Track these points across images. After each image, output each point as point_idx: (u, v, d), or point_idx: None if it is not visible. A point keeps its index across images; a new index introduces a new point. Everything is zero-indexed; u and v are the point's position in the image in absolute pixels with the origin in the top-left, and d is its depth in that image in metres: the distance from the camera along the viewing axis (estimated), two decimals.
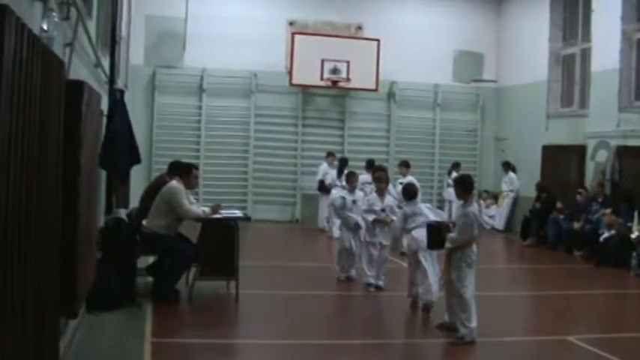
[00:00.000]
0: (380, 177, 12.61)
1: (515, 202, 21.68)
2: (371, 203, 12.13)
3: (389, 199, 12.25)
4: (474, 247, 9.02)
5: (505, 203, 21.85)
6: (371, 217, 11.97)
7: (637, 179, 16.43)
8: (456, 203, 11.74)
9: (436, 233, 9.48)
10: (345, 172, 14.65)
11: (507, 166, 21.89)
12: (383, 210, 11.98)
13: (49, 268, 5.34)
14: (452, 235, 9.08)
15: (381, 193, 12.24)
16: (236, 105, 21.92)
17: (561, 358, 8.62)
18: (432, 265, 10.52)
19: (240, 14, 21.61)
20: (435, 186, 23.05)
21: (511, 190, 21.74)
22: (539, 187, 19.52)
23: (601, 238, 15.82)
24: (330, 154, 20.56)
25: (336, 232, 17.96)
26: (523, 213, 20.04)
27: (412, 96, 23.04)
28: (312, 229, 20.17)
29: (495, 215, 22.16)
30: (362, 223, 12.45)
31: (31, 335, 4.69)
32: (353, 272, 12.67)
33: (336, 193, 14.19)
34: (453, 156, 22.50)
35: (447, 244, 9.11)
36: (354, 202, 12.77)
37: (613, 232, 15.61)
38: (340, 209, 12.94)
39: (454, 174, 20.03)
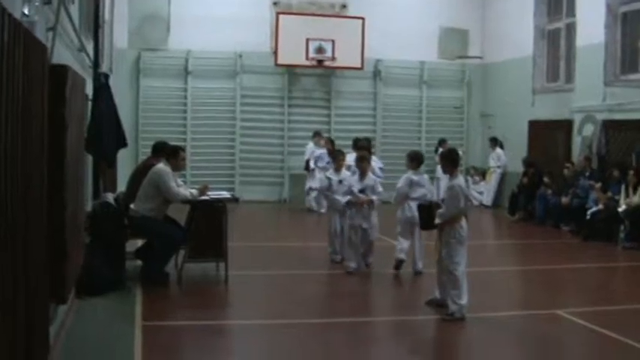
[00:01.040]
0: (362, 156, 12.23)
1: (503, 177, 21.79)
2: (349, 184, 11.92)
3: (370, 179, 11.94)
4: (463, 223, 9.00)
5: (493, 179, 21.96)
6: (345, 199, 11.88)
7: (623, 153, 16.49)
8: (444, 180, 11.79)
9: (428, 213, 9.48)
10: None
11: (494, 142, 21.96)
12: (362, 191, 11.70)
13: (37, 254, 5.32)
14: (440, 210, 9.10)
15: (363, 172, 11.93)
16: (221, 86, 21.88)
17: (551, 332, 8.66)
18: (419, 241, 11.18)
19: None
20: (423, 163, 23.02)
21: (498, 166, 21.83)
22: (527, 163, 19.59)
23: (588, 213, 15.86)
24: (316, 134, 20.59)
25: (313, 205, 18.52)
26: (511, 188, 20.10)
27: (398, 74, 23.01)
28: (300, 209, 20.19)
29: (483, 191, 22.23)
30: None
31: (21, 322, 4.68)
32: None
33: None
34: (439, 133, 22.54)
35: (437, 220, 9.12)
36: (340, 182, 12.37)
37: (600, 206, 15.66)
38: (326, 190, 12.76)
39: (440, 150, 20.13)
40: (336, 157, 13.09)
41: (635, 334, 8.13)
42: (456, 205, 8.95)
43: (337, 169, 12.68)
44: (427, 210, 9.57)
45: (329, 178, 12.65)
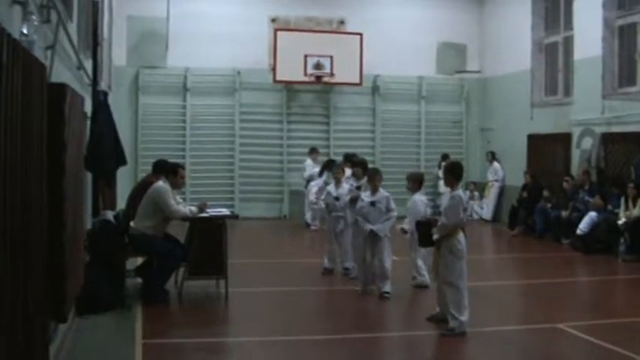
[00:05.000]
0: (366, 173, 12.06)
1: (502, 191, 21.81)
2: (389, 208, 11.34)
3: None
4: (460, 237, 8.95)
5: (491, 193, 21.98)
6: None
7: (622, 166, 16.50)
8: (445, 196, 11.67)
9: (426, 230, 9.42)
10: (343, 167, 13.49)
11: (492, 156, 22.01)
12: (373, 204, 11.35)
13: (36, 272, 5.31)
14: (439, 223, 9.01)
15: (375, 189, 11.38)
16: (220, 103, 21.91)
17: (552, 345, 8.65)
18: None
19: (222, 12, 21.60)
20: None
21: (496, 180, 21.87)
22: (526, 176, 19.58)
23: (579, 228, 15.89)
24: (313, 150, 20.64)
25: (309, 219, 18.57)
26: (510, 202, 20.10)
27: (396, 89, 23.06)
28: (300, 225, 20.18)
29: (483, 206, 22.25)
30: (383, 232, 11.12)
31: (21, 341, 4.67)
32: (388, 287, 11.01)
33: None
34: (438, 148, 22.57)
35: (435, 235, 9.05)
36: (372, 204, 11.19)
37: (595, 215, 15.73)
38: (358, 214, 11.45)
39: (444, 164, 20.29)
40: (372, 177, 11.53)
41: (636, 347, 8.11)
42: (457, 215, 8.88)
43: (374, 191, 11.34)
44: (425, 227, 9.52)
45: (361, 200, 11.45)
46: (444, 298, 9.07)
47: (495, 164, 21.94)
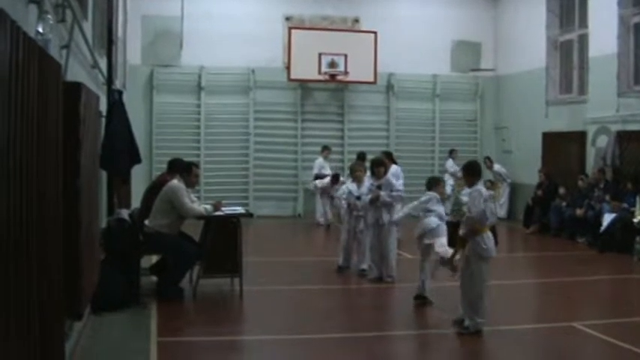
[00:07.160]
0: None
1: (512, 189, 21.85)
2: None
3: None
4: (486, 236, 8.74)
5: (501, 193, 21.99)
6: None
7: (638, 164, 16.40)
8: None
9: (456, 230, 9.31)
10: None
11: (490, 161, 21.97)
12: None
13: (52, 271, 5.34)
14: (465, 217, 8.81)
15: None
16: (235, 102, 21.92)
17: (567, 344, 8.62)
18: None
19: (237, 11, 21.61)
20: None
21: (504, 180, 21.87)
22: (541, 175, 19.53)
23: (602, 228, 15.80)
24: (325, 148, 20.64)
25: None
26: (525, 201, 20.04)
27: (411, 87, 23.01)
28: (314, 224, 20.17)
29: (497, 204, 22.24)
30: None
31: (36, 338, 4.69)
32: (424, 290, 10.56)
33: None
34: (453, 146, 22.52)
35: (461, 231, 8.86)
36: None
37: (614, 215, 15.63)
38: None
39: (450, 161, 21.39)
40: (434, 184, 10.83)
41: None
42: (479, 206, 8.67)
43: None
44: (455, 227, 9.43)
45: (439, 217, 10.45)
46: (463, 297, 8.94)
47: (496, 166, 21.96)
